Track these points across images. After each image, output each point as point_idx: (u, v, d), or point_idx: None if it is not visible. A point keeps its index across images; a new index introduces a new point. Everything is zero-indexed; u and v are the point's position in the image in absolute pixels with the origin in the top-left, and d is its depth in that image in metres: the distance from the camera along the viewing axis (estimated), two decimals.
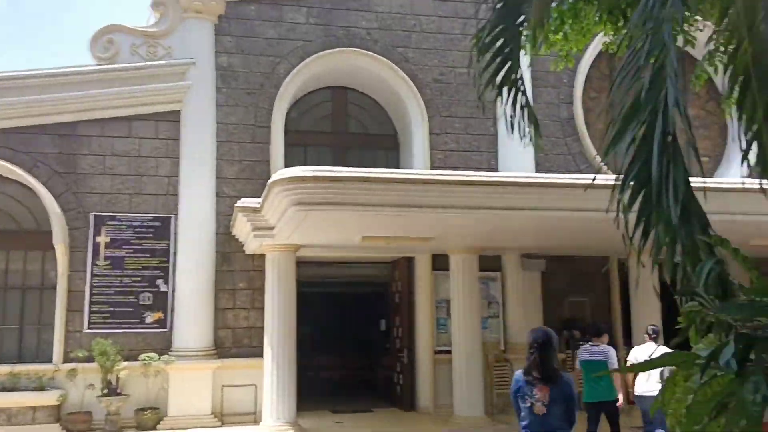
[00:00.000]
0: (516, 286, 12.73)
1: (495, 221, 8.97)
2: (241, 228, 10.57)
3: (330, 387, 15.43)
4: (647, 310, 11.71)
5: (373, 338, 15.57)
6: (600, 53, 13.92)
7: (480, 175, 8.51)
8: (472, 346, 11.14)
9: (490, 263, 12.80)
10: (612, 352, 8.58)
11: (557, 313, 13.06)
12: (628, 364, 8.40)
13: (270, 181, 8.30)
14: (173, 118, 11.96)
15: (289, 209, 8.24)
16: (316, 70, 12.71)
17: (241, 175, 11.99)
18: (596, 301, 13.34)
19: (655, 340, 8.62)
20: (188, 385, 10.97)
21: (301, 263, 11.50)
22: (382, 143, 13.53)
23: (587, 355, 8.63)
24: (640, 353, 8.56)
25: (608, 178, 8.76)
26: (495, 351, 12.40)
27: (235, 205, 10.16)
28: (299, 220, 8.62)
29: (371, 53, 12.73)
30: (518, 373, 4.81)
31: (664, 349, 8.33)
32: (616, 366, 8.45)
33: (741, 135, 3.73)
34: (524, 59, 12.54)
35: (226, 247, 11.78)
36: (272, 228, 9.63)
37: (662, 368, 7.44)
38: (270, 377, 10.32)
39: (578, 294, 13.27)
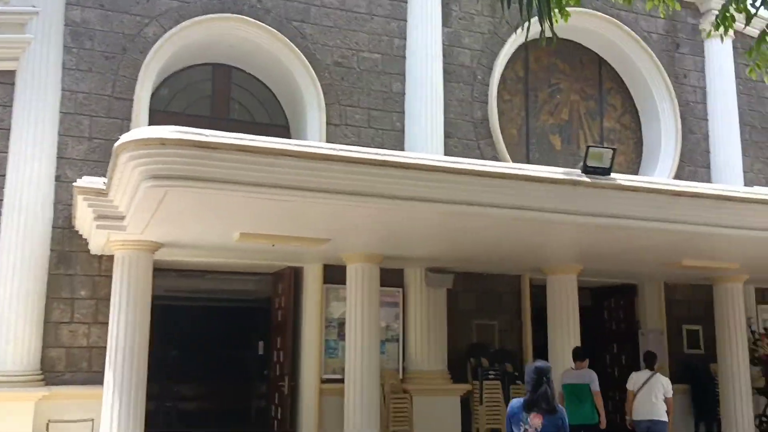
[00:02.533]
0: (419, 306, 11.00)
1: (408, 215, 7.19)
2: (84, 218, 8.26)
3: (194, 420, 13.06)
4: (565, 333, 10.28)
5: (249, 363, 13.37)
6: (515, 54, 12.68)
7: (399, 155, 6.71)
8: (369, 374, 9.25)
9: (389, 278, 10.99)
10: (595, 375, 8.92)
11: (464, 337, 11.43)
12: (629, 388, 9.06)
13: (116, 145, 6.13)
14: (5, 79, 9.47)
15: (141, 186, 6.11)
16: (194, 39, 10.60)
17: (90, 156, 9.62)
18: (506, 324, 11.83)
19: (650, 366, 9.20)
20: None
21: (162, 270, 9.29)
22: (270, 133, 11.38)
23: (571, 378, 8.95)
24: (638, 379, 9.11)
25: (553, 171, 7.20)
26: (392, 380, 10.57)
27: (74, 185, 7.86)
28: (155, 202, 6.48)
29: (262, 24, 10.76)
30: (516, 400, 5.24)
31: (660, 377, 9.12)
32: (598, 389, 8.80)
33: None
34: (437, 43, 10.95)
35: (66, 244, 9.35)
36: (122, 217, 7.41)
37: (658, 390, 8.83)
38: (110, 410, 7.97)
39: (487, 316, 11.71)
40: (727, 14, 5.47)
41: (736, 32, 13.70)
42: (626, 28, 13.01)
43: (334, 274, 10.41)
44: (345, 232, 8.15)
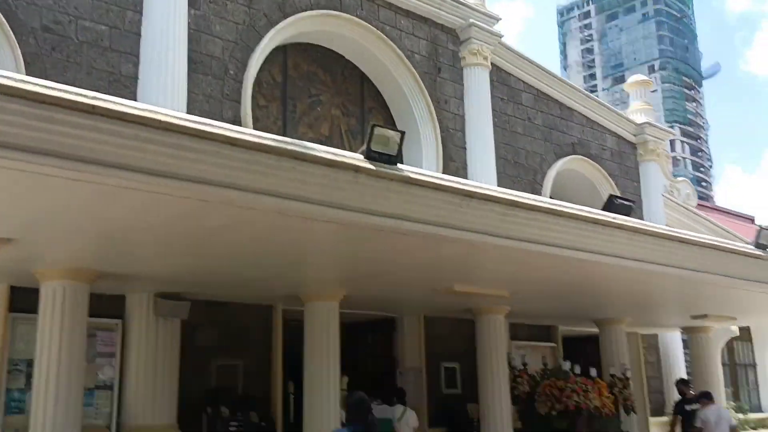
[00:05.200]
0: (144, 342, 8.65)
1: (135, 202, 5.11)
2: None
3: None
4: (325, 369, 8.66)
5: None
6: (272, 56, 11.17)
7: (125, 104, 4.57)
8: None
9: (105, 306, 8.60)
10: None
11: (201, 380, 9.25)
12: None
13: None
14: None
15: None
16: None
17: None
18: (253, 365, 9.89)
19: (403, 402, 9.98)
20: None
21: None
22: None
23: (377, 413, 8.30)
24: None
25: (330, 151, 5.55)
26: None
27: None
28: None
29: None
30: (340, 429, 5.58)
31: (410, 410, 9.95)
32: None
33: None
34: (182, 25, 9.04)
35: None
36: None
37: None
38: None
39: (230, 355, 9.68)
40: None
41: (492, 65, 13.68)
42: (390, 43, 12.17)
43: (28, 300, 7.75)
44: (36, 227, 5.75)
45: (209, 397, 9.15)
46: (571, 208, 7.12)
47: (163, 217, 5.65)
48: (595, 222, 7.23)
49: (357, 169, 5.57)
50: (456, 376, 12.10)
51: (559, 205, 7.03)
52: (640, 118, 16.51)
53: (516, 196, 6.74)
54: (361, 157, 5.70)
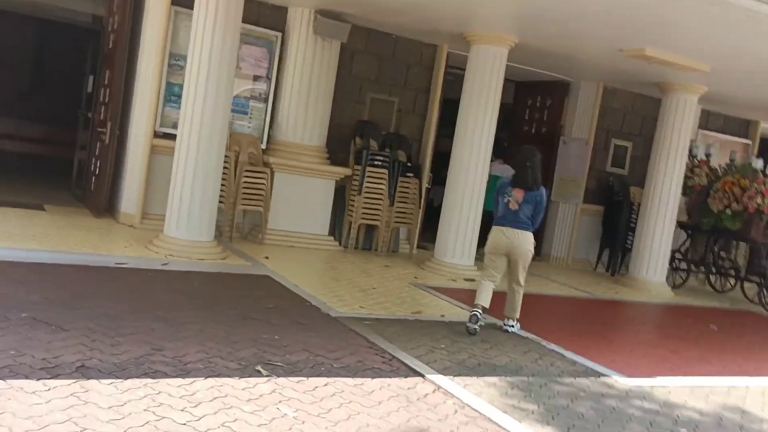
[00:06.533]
0: (300, 60, 8.39)
1: None
2: None
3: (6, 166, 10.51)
4: (480, 118, 8.10)
5: (77, 102, 10.49)
6: None
7: None
8: (211, 131, 6.82)
9: (267, 16, 8.34)
10: None
11: (353, 111, 9.04)
12: None
13: None
14: None
15: None
16: None
17: None
18: (409, 104, 9.45)
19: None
20: None
21: None
22: None
23: (498, 171, 9.27)
24: None
25: None
26: (251, 149, 8.19)
27: None
28: None
29: None
30: (507, 178, 6.05)
31: None
32: None
33: None
34: None
35: None
36: None
37: None
38: None
39: (386, 90, 9.28)
40: None
41: None
42: None
43: None
44: None
45: (360, 128, 8.97)
46: None
47: None
48: None
49: None
50: (625, 156, 11.09)
51: None
52: None
53: None
54: None
